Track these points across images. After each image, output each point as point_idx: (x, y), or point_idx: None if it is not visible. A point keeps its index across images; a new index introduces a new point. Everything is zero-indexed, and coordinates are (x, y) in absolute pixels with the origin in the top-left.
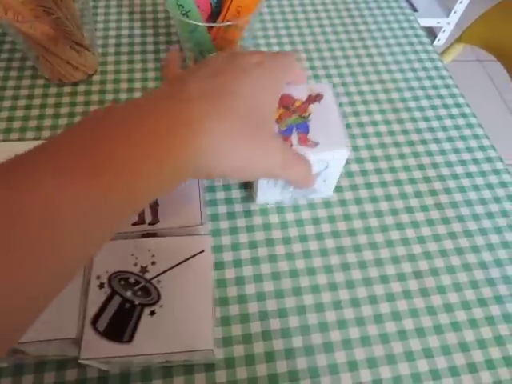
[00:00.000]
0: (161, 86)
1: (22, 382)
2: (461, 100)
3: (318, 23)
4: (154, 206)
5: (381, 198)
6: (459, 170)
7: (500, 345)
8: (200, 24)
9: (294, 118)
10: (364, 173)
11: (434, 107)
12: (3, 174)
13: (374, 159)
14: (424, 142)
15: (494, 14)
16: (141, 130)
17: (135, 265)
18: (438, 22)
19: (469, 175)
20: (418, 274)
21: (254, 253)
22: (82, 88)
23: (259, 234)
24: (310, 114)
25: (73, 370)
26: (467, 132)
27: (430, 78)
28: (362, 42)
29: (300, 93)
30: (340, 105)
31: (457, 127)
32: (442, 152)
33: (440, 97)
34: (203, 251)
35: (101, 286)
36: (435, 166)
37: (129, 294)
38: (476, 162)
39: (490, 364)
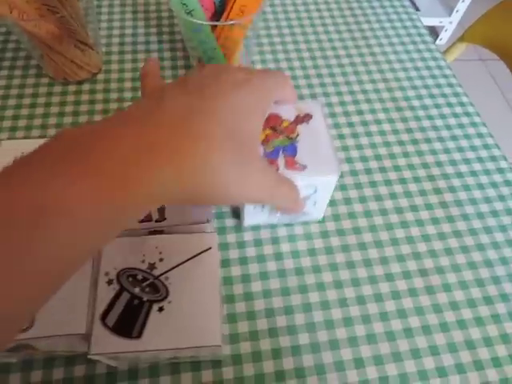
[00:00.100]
0: (137, 102)
1: (31, 377)
2: (464, 99)
3: (320, 22)
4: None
5: (385, 196)
6: (463, 168)
7: (506, 342)
8: (204, 23)
9: (280, 140)
10: (368, 171)
11: (437, 106)
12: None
13: (378, 157)
14: (428, 140)
15: (496, 13)
16: (101, 159)
17: (143, 262)
18: (441, 22)
19: (473, 174)
20: (423, 272)
21: (259, 250)
22: (86, 87)
23: (264, 232)
24: (298, 135)
25: (81, 366)
26: (471, 131)
27: (434, 76)
28: (365, 41)
29: (288, 112)
30: (343, 104)
31: (461, 126)
32: (446, 150)
33: (443, 96)
34: (210, 248)
35: (109, 282)
36: (439, 164)
37: (137, 290)
38: (480, 160)
39: (496, 362)
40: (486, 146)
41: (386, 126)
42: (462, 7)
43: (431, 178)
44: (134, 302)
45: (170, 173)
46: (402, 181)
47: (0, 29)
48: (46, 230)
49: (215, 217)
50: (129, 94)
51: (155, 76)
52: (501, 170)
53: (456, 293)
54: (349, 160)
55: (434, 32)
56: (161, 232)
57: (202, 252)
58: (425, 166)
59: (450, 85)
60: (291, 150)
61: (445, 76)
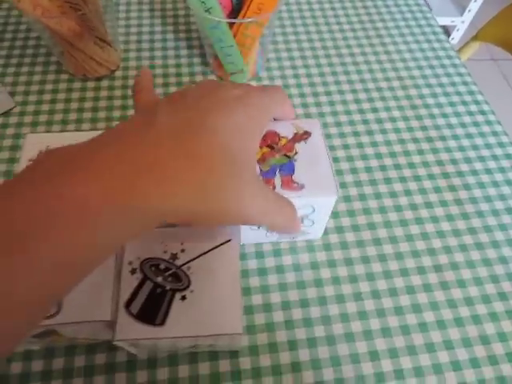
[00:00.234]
0: (130, 119)
1: (53, 364)
2: (479, 97)
3: (335, 20)
4: None
5: (400, 192)
6: (478, 166)
7: None
8: (222, 20)
9: (277, 159)
10: (383, 168)
11: (452, 104)
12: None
13: (392, 154)
14: (443, 138)
15: (510, 12)
16: (101, 169)
17: (165, 252)
18: (452, 21)
19: (488, 171)
20: (438, 268)
21: (275, 245)
22: (105, 83)
23: None
24: (295, 153)
25: (102, 354)
26: (486, 129)
27: (448, 75)
28: (380, 39)
29: (286, 130)
30: (358, 101)
31: (475, 124)
32: (461, 148)
33: (458, 94)
34: (230, 240)
35: (133, 271)
36: (454, 162)
37: (160, 279)
38: (495, 158)
39: (511, 357)
40: (501, 144)
41: (401, 124)
42: (474, 7)
43: (446, 175)
44: (157, 291)
45: (161, 196)
46: (417, 178)
47: (21, 26)
48: (59, 232)
49: None
50: None
51: (149, 90)
52: None
53: (471, 289)
54: (364, 157)
55: (445, 31)
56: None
57: (222, 244)
58: (439, 163)
59: (465, 83)
60: (288, 168)
61: (459, 74)
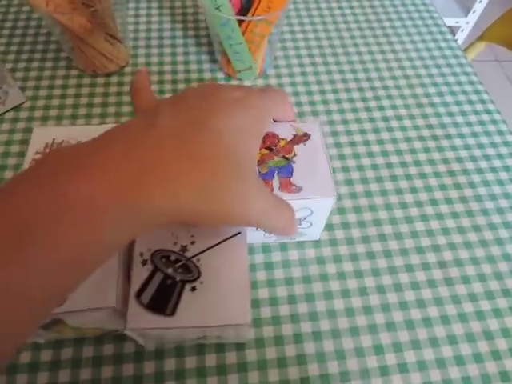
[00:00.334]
0: (132, 121)
1: (62, 354)
2: (485, 96)
3: (342, 19)
4: None
5: (405, 190)
6: (483, 164)
7: None
8: (232, 17)
9: (276, 161)
10: (389, 165)
11: (458, 103)
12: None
13: (398, 152)
14: (449, 136)
15: None
16: (106, 166)
17: (175, 244)
18: (457, 22)
19: (493, 170)
20: (442, 264)
21: (282, 239)
22: (114, 79)
23: None
24: (294, 156)
25: (110, 345)
26: (491, 128)
27: (455, 74)
28: (387, 38)
29: (285, 131)
30: (364, 99)
31: (481, 123)
32: (467, 147)
33: (464, 93)
34: (239, 233)
35: (144, 262)
36: (459, 160)
37: (170, 270)
38: (500, 157)
39: None
40: (506, 144)
41: (407, 122)
42: (478, 8)
43: (451, 173)
44: (168, 282)
45: (165, 197)
46: (423, 175)
47: (31, 22)
48: (66, 229)
49: None
50: (155, 87)
51: (147, 91)
52: None
53: (475, 285)
54: (370, 154)
55: (450, 32)
56: None
57: (231, 236)
58: (445, 161)
59: (471, 82)
60: (287, 170)
61: (466, 74)
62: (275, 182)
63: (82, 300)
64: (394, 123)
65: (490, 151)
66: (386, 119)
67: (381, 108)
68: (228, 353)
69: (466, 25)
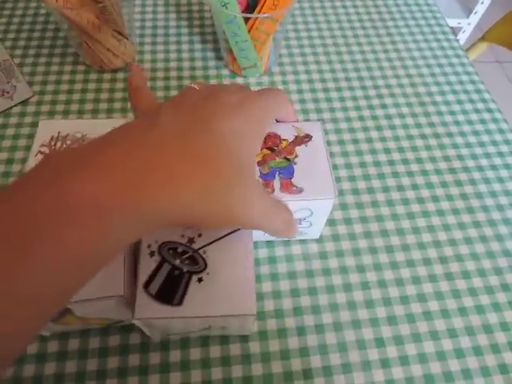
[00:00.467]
0: (133, 122)
1: (69, 345)
2: (486, 95)
3: (346, 18)
4: None
5: (407, 186)
6: (484, 162)
7: None
8: (238, 14)
9: (277, 161)
10: (391, 162)
11: (459, 102)
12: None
13: (400, 150)
14: (450, 134)
15: None
16: (110, 165)
17: (182, 236)
18: (459, 23)
19: (493, 167)
20: (443, 260)
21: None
22: (120, 75)
23: None
24: (296, 157)
25: (116, 336)
26: (492, 126)
27: (457, 73)
28: (390, 38)
29: (287, 132)
30: (367, 97)
31: (482, 121)
32: (468, 145)
33: (466, 92)
34: None
35: (151, 254)
36: (460, 157)
37: (177, 262)
38: (501, 155)
39: None
40: (507, 142)
41: (409, 120)
42: (480, 9)
43: (452, 170)
44: (175, 273)
45: (168, 198)
46: (424, 172)
47: (39, 18)
48: (73, 225)
49: None
50: (161, 83)
51: (146, 91)
52: None
53: (475, 280)
54: (373, 151)
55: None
56: None
57: (237, 229)
58: (446, 158)
59: (473, 82)
60: (288, 171)
61: (467, 73)
62: (276, 183)
63: (90, 289)
64: (397, 121)
65: (491, 149)
66: (388, 117)
67: (383, 106)
68: (232, 345)
69: (468, 26)
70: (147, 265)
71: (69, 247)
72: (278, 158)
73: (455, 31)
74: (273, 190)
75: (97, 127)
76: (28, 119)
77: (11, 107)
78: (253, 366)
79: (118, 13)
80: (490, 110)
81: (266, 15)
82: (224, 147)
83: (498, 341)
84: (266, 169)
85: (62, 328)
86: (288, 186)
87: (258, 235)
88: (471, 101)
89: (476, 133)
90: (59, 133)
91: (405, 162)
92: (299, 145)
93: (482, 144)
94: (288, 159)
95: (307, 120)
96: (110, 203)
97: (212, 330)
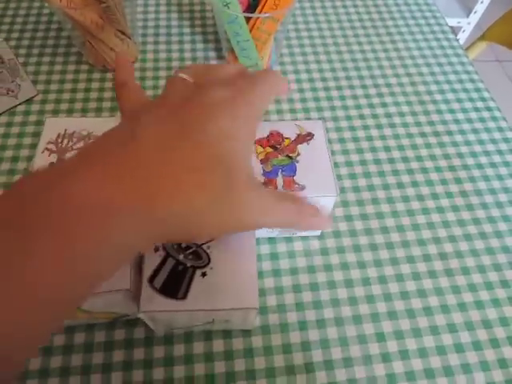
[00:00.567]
0: (114, 130)
1: (75, 339)
2: (486, 94)
3: (346, 18)
4: None
5: (407, 184)
6: (483, 159)
7: None
8: (240, 14)
9: (280, 159)
10: (391, 160)
11: (459, 100)
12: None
13: (400, 148)
14: (450, 132)
15: None
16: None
17: None
18: (459, 22)
19: (493, 165)
20: (443, 256)
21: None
22: None
23: None
24: (298, 155)
25: (121, 330)
26: (491, 124)
27: (456, 72)
28: (390, 37)
29: (289, 130)
30: (368, 96)
31: (481, 119)
32: (467, 143)
33: (465, 90)
34: None
35: (156, 249)
36: (460, 155)
37: (181, 257)
38: (500, 152)
39: None
40: (506, 140)
41: (409, 119)
42: (480, 8)
43: (452, 168)
44: (179, 268)
45: (148, 219)
46: (424, 170)
47: (42, 18)
48: (77, 224)
49: None
50: (163, 82)
51: (131, 85)
52: None
53: (474, 276)
54: (373, 149)
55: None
56: None
57: None
58: (446, 156)
59: (472, 80)
60: (290, 169)
61: (467, 72)
62: (279, 181)
63: None
64: (397, 119)
65: (490, 147)
66: (388, 115)
67: (384, 105)
68: (235, 339)
69: (468, 25)
70: (152, 260)
71: (73, 244)
72: (281, 156)
73: (455, 30)
74: (276, 188)
75: (102, 125)
76: (32, 118)
77: (16, 106)
78: (255, 360)
79: (121, 13)
80: (489, 109)
81: (267, 15)
82: (209, 153)
83: (497, 336)
84: (269, 167)
85: (68, 322)
86: (290, 184)
87: (261, 232)
88: (471, 99)
89: (475, 131)
90: (66, 130)
91: (405, 159)
92: (301, 143)
93: (481, 142)
94: (290, 157)
95: (308, 118)
96: (103, 206)
97: (215, 325)
